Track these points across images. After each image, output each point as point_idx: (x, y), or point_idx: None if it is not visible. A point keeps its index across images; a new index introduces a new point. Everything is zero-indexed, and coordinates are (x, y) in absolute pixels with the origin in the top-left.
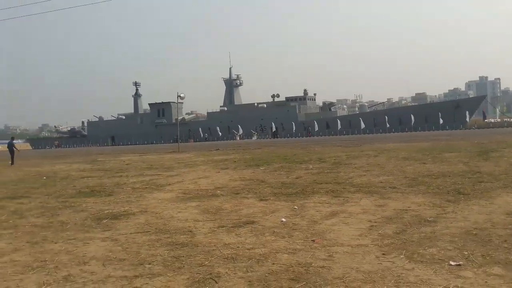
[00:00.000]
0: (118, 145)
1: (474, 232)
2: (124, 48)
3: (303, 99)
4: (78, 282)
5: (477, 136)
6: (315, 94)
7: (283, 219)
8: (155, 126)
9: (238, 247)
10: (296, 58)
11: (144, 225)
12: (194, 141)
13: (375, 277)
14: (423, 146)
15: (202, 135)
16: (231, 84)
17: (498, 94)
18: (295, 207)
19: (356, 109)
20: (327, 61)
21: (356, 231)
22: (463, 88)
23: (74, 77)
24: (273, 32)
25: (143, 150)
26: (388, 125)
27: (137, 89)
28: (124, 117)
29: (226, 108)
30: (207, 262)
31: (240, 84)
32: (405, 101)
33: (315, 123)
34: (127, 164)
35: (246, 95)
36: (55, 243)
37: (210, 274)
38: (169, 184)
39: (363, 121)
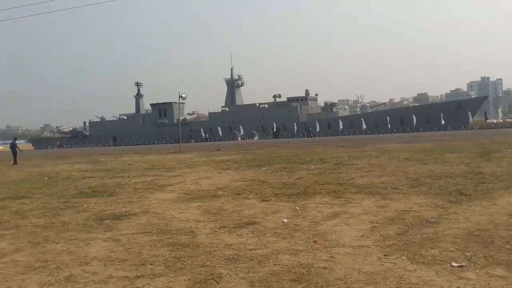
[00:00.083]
0: (120, 146)
1: (476, 233)
2: (126, 48)
3: (304, 99)
4: (80, 282)
5: (479, 137)
6: (316, 95)
7: (285, 220)
8: (157, 127)
9: (240, 247)
10: (297, 58)
11: (146, 226)
12: (195, 142)
13: (377, 278)
14: (425, 146)
15: (203, 135)
16: (233, 85)
17: (500, 95)
18: (297, 207)
19: (358, 109)
20: (328, 61)
21: (358, 232)
22: (465, 88)
23: (75, 77)
24: (274, 32)
25: (144, 151)
26: (389, 126)
27: (138, 90)
28: (125, 118)
29: (227, 109)
30: (208, 263)
31: (242, 85)
32: (407, 102)
33: (317, 123)
34: (128, 165)
35: (246, 95)
36: (57, 243)
37: (212, 274)
38: (171, 185)
39: (364, 122)
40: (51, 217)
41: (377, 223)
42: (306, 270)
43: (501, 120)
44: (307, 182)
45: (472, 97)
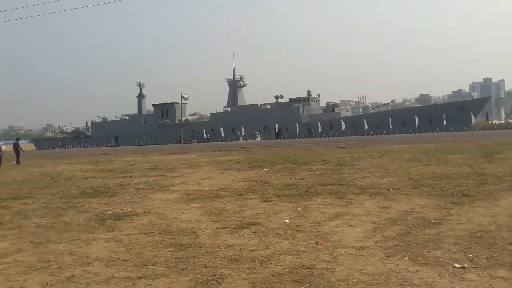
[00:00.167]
0: (122, 146)
1: (478, 235)
2: (127, 48)
3: (306, 100)
4: (82, 282)
5: (481, 138)
6: (318, 95)
7: (287, 221)
8: (159, 127)
9: (242, 248)
10: (298, 58)
11: (148, 226)
12: (197, 142)
13: (379, 279)
14: (427, 147)
15: (205, 136)
16: (235, 85)
17: (502, 96)
18: (299, 208)
19: (360, 110)
20: (329, 62)
21: (360, 233)
22: (467, 89)
23: (77, 77)
24: (274, 32)
25: (146, 151)
26: (391, 127)
27: (141, 90)
28: (128, 118)
29: (229, 109)
30: (210, 264)
31: (244, 85)
32: (409, 103)
33: (319, 124)
34: (130, 165)
35: (247, 96)
36: (59, 243)
37: (214, 275)
38: (173, 185)
39: (366, 122)
40: (53, 217)
41: (379, 224)
42: (308, 271)
43: (503, 121)
44: (309, 182)
45: (475, 98)
